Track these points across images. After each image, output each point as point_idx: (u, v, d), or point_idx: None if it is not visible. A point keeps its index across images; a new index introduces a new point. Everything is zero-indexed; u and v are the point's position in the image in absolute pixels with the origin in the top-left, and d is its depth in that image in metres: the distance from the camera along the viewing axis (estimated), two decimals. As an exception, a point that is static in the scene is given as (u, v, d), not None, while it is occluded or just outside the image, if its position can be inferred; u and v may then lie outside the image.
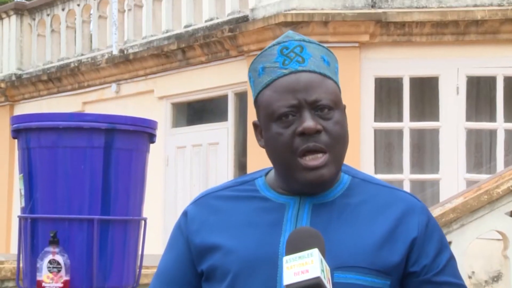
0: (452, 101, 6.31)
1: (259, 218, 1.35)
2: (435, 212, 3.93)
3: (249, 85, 1.42)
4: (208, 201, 1.41)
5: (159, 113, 7.60)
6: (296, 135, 1.30)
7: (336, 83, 1.36)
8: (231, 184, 1.44)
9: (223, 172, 7.14)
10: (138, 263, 3.13)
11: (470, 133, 6.41)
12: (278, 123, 1.31)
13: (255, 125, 1.39)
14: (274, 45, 1.36)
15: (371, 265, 1.29)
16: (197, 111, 7.88)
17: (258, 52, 1.43)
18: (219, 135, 7.26)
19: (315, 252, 1.18)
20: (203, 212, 1.40)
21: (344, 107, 1.37)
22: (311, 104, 1.30)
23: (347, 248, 1.30)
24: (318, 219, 1.32)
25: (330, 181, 1.34)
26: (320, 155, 1.30)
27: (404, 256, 1.32)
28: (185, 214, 1.43)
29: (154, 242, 6.90)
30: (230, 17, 7.07)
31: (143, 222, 3.14)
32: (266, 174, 1.42)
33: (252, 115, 6.59)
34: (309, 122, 1.29)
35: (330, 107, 1.32)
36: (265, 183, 1.40)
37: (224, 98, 7.31)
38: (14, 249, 8.44)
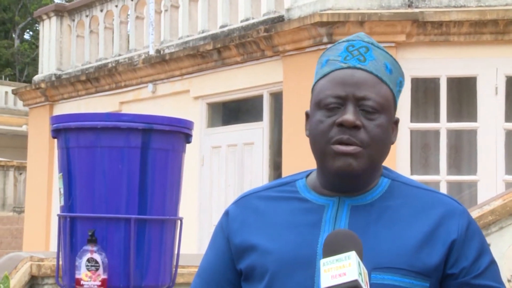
0: (491, 101, 6.22)
1: (298, 219, 1.36)
2: (473, 214, 3.88)
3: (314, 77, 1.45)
4: (249, 201, 1.43)
5: (194, 113, 7.64)
6: (335, 125, 1.32)
7: (392, 91, 1.36)
8: (272, 185, 1.45)
9: (258, 172, 7.15)
10: (174, 263, 3.16)
11: (509, 134, 6.31)
12: (323, 111, 1.34)
13: (306, 114, 1.42)
14: (343, 41, 1.39)
15: (410, 267, 1.29)
16: (233, 111, 7.90)
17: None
18: (254, 135, 7.27)
19: (352, 255, 1.18)
20: (244, 212, 1.42)
21: (395, 120, 1.38)
22: (358, 100, 1.32)
23: (385, 250, 1.30)
24: (356, 221, 1.33)
25: (360, 176, 1.34)
26: (353, 145, 1.31)
27: (443, 259, 1.32)
28: (226, 213, 1.45)
29: (190, 242, 6.95)
30: (266, 17, 7.08)
31: (179, 221, 3.16)
32: (307, 176, 1.44)
33: (287, 115, 6.59)
34: (350, 115, 1.31)
35: (376, 109, 1.33)
36: (305, 185, 1.41)
37: (259, 98, 7.32)
38: (53, 247, 8.59)
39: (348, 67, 1.35)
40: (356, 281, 1.16)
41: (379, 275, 1.28)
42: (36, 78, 10.02)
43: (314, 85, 1.40)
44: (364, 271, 1.20)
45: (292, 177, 1.45)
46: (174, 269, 3.15)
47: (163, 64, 8.00)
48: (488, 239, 3.75)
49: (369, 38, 1.39)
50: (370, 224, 1.32)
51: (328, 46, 1.43)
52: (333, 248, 1.21)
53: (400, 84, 1.40)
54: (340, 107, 1.33)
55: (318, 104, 1.35)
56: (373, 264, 1.27)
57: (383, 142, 1.34)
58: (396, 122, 1.40)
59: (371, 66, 1.35)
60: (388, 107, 1.35)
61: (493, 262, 1.36)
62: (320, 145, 1.34)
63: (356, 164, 1.31)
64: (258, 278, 1.35)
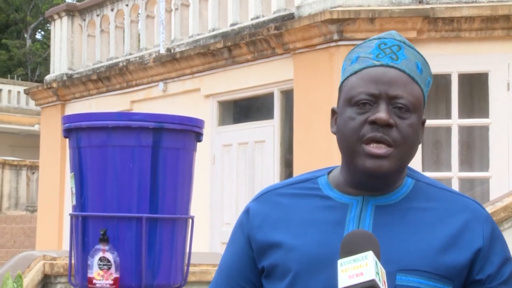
0: (503, 97, 6.18)
1: (321, 217, 1.34)
2: (485, 211, 3.87)
3: (341, 73, 1.44)
4: (270, 198, 1.41)
5: (205, 112, 7.65)
6: (368, 123, 1.30)
7: (422, 91, 1.36)
8: (293, 181, 1.43)
9: (269, 170, 7.15)
10: (186, 261, 3.16)
11: (521, 130, 6.27)
12: (354, 108, 1.32)
13: (332, 111, 1.40)
14: (374, 39, 1.38)
15: (434, 270, 1.29)
16: (243, 109, 7.90)
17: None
18: (265, 133, 7.27)
19: (369, 255, 1.18)
20: (265, 208, 1.40)
21: (423, 120, 1.38)
22: (391, 98, 1.31)
23: (410, 251, 1.29)
24: (381, 221, 1.31)
25: (389, 177, 1.33)
26: (385, 146, 1.30)
27: (467, 264, 1.31)
28: (247, 211, 1.43)
29: (201, 240, 6.97)
30: (276, 15, 7.07)
31: (190, 220, 3.17)
32: (329, 173, 1.42)
33: (298, 113, 6.59)
34: (383, 113, 1.29)
35: (408, 108, 1.32)
36: (327, 182, 1.39)
37: (270, 96, 7.32)
38: (66, 246, 8.63)
39: (381, 65, 1.33)
40: (373, 280, 1.16)
41: (405, 277, 1.27)
42: (47, 77, 10.07)
43: (343, 82, 1.38)
44: (382, 270, 1.20)
45: (314, 174, 1.43)
46: (185, 268, 3.16)
47: (174, 62, 8.02)
48: (501, 236, 3.75)
49: (401, 36, 1.38)
50: (394, 224, 1.31)
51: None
52: (351, 248, 1.21)
53: (429, 84, 1.40)
54: (372, 104, 1.31)
55: (349, 101, 1.33)
56: (399, 265, 1.27)
57: (413, 142, 1.34)
58: (423, 122, 1.39)
59: (403, 65, 1.34)
60: (419, 107, 1.35)
61: None
62: (351, 143, 1.32)
63: (388, 165, 1.30)
64: (280, 276, 1.33)
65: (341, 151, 1.36)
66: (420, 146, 5.49)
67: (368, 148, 1.29)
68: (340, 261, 1.20)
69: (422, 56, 1.38)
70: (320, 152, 6.21)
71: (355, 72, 1.35)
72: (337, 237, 1.30)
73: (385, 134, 1.29)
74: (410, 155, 1.34)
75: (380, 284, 1.17)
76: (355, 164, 1.32)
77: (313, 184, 1.40)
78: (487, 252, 1.33)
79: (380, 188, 1.34)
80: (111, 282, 2.83)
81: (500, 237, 1.37)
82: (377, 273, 1.17)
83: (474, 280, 1.32)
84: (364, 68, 1.34)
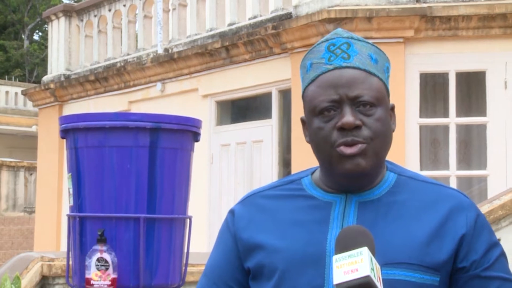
0: (500, 95, 6.19)
1: (305, 217, 1.36)
2: (483, 209, 3.86)
3: (301, 82, 1.44)
4: (254, 200, 1.43)
5: (203, 111, 7.65)
6: (336, 129, 1.31)
7: (382, 80, 1.36)
8: (277, 184, 1.45)
9: (267, 170, 7.15)
10: (184, 261, 3.16)
11: (519, 128, 6.27)
12: (320, 117, 1.33)
13: (302, 121, 1.41)
14: (322, 42, 1.38)
15: (420, 262, 1.30)
16: (241, 109, 7.90)
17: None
18: (263, 132, 7.27)
19: (364, 251, 1.19)
20: (250, 210, 1.41)
21: (390, 106, 1.38)
22: (352, 99, 1.31)
23: (395, 245, 1.30)
24: (364, 217, 1.32)
25: (369, 174, 1.34)
26: (358, 145, 1.31)
27: (452, 253, 1.32)
28: (232, 212, 1.44)
29: (199, 240, 6.96)
30: (274, 14, 7.07)
31: (188, 220, 3.17)
32: (312, 173, 1.43)
33: (296, 112, 6.59)
34: (348, 117, 1.30)
35: (372, 104, 1.32)
36: (311, 182, 1.41)
37: (268, 96, 7.32)
38: (64, 247, 8.62)
39: (335, 68, 1.33)
40: (368, 276, 1.16)
41: (390, 271, 1.28)
42: (45, 78, 10.06)
43: (304, 91, 1.39)
44: (377, 266, 1.20)
45: (297, 175, 1.45)
46: (183, 268, 3.15)
47: (172, 63, 8.01)
48: (498, 234, 3.74)
49: (347, 33, 1.38)
50: (379, 219, 1.32)
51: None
52: (346, 244, 1.21)
53: (387, 70, 1.39)
54: (336, 110, 1.32)
55: (314, 111, 1.34)
56: (384, 259, 1.27)
57: (385, 134, 1.34)
58: (392, 108, 1.39)
59: (356, 61, 1.34)
60: (382, 98, 1.34)
61: (502, 254, 1.36)
62: (325, 151, 1.33)
63: (365, 162, 1.31)
64: (266, 277, 1.34)
65: (318, 159, 1.37)
66: (418, 145, 5.44)
67: (342, 150, 1.30)
68: (335, 257, 1.20)
69: (373, 45, 1.38)
70: (318, 152, 6.20)
71: (312, 81, 1.36)
72: (322, 236, 1.32)
73: (355, 136, 1.30)
74: (385, 147, 1.35)
75: (375, 280, 1.17)
76: (334, 168, 1.33)
77: (297, 185, 1.41)
78: (470, 239, 1.33)
79: (362, 187, 1.35)
80: (109, 282, 2.83)
81: (485, 224, 1.37)
82: (372, 269, 1.18)
83: (458, 267, 1.33)
84: (319, 75, 1.35)
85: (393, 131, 1.38)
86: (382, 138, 1.33)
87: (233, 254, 1.41)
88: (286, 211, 1.38)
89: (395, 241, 1.30)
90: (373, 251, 1.21)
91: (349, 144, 1.30)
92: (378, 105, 1.33)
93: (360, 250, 1.19)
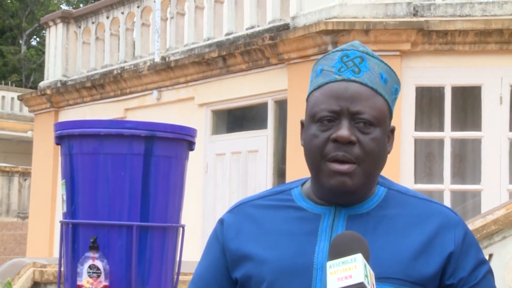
0: (495, 110, 6.21)
1: (294, 228, 1.35)
2: (476, 223, 3.87)
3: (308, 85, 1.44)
4: (244, 210, 1.42)
5: (199, 120, 7.66)
6: (330, 141, 1.31)
7: (387, 101, 1.35)
8: (267, 194, 1.45)
9: (262, 180, 7.15)
10: (176, 270, 3.15)
11: (513, 143, 6.29)
12: (318, 125, 1.33)
13: (302, 123, 1.41)
14: (337, 50, 1.38)
15: (406, 277, 1.29)
16: (237, 119, 7.91)
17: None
18: (259, 142, 7.28)
19: (358, 257, 1.19)
20: (239, 220, 1.41)
21: (390, 128, 1.37)
22: (352, 114, 1.31)
23: (382, 260, 1.30)
24: (353, 230, 1.32)
25: (355, 192, 1.33)
26: (347, 163, 1.31)
27: (439, 269, 1.32)
28: (221, 222, 1.44)
29: (193, 249, 6.94)
30: (271, 25, 7.10)
31: (181, 229, 3.16)
32: (303, 184, 1.43)
33: (291, 123, 6.60)
34: (344, 131, 1.30)
35: (371, 123, 1.32)
36: (301, 193, 1.41)
37: (264, 106, 7.33)
38: (57, 253, 8.59)
39: (343, 80, 1.33)
40: (362, 283, 1.16)
41: (378, 285, 1.27)
42: (41, 84, 10.06)
43: (309, 95, 1.39)
44: (371, 273, 1.20)
45: (287, 186, 1.45)
46: (176, 276, 3.15)
47: (168, 71, 8.02)
48: (491, 249, 3.74)
49: (364, 47, 1.37)
50: (367, 233, 1.32)
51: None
52: (340, 250, 1.21)
53: (396, 92, 1.39)
54: (335, 121, 1.32)
55: (313, 117, 1.34)
56: None
57: (378, 155, 1.34)
58: (392, 130, 1.39)
59: (365, 78, 1.33)
60: (383, 119, 1.34)
61: (489, 272, 1.37)
62: (316, 161, 1.33)
63: (351, 182, 1.31)
64: (254, 287, 1.34)
65: (308, 166, 1.37)
66: (412, 159, 5.45)
67: (331, 166, 1.31)
68: (329, 263, 1.20)
69: (386, 65, 1.37)
70: (313, 163, 6.21)
71: (319, 87, 1.36)
72: (310, 247, 1.32)
73: (347, 152, 1.30)
74: (377, 168, 1.35)
75: (369, 287, 1.17)
76: (321, 181, 1.33)
77: (287, 196, 1.41)
78: (458, 257, 1.33)
79: (349, 202, 1.35)
80: (101, 290, 2.82)
81: (473, 241, 1.37)
82: (366, 275, 1.18)
83: (446, 284, 1.33)
84: (326, 83, 1.35)
85: (389, 153, 1.38)
86: (374, 159, 1.33)
87: (221, 264, 1.40)
88: (275, 221, 1.38)
89: (383, 255, 1.30)
90: (367, 257, 1.21)
91: (340, 160, 1.30)
92: (377, 125, 1.32)
93: (354, 257, 1.19)
